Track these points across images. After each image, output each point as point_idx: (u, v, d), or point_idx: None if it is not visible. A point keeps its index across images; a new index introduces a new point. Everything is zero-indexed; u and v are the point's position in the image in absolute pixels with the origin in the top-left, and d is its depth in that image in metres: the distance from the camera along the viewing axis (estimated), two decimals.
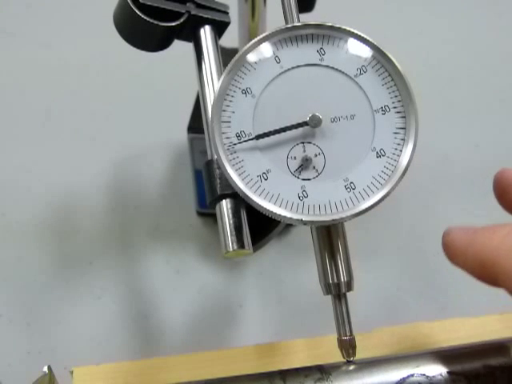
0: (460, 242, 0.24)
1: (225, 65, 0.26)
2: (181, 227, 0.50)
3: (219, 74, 0.30)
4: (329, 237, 0.26)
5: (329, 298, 0.26)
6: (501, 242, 0.22)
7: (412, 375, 0.24)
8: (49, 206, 0.51)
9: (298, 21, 0.27)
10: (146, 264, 0.47)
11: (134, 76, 0.62)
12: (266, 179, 0.25)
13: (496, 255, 0.21)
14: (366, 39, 0.26)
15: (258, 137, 0.25)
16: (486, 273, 0.22)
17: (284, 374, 0.25)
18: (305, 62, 0.26)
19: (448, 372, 0.24)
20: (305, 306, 0.44)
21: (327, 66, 0.26)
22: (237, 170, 0.25)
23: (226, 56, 0.30)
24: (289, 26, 0.26)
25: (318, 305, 0.39)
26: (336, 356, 0.26)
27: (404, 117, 0.25)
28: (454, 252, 0.24)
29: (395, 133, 0.25)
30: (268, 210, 0.24)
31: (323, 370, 0.25)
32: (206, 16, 0.31)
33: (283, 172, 0.25)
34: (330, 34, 0.26)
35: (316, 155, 0.25)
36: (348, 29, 0.26)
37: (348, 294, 0.26)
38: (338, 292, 0.26)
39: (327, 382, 0.24)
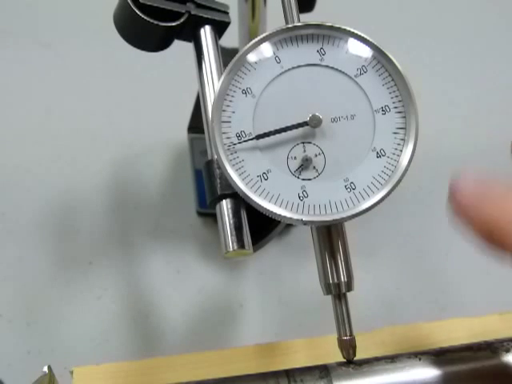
0: (469, 204, 0.22)
1: (225, 65, 0.26)
2: (181, 227, 0.50)
3: (219, 73, 0.30)
4: (329, 237, 0.26)
5: (329, 298, 0.26)
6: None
7: None
8: (49, 206, 0.51)
9: (298, 21, 0.27)
10: (146, 264, 0.47)
11: (134, 76, 0.62)
12: (266, 179, 0.25)
13: (507, 222, 0.20)
14: (366, 39, 0.26)
15: (258, 137, 0.25)
16: (495, 238, 0.21)
17: (289, 373, 0.25)
18: (305, 62, 0.26)
19: (448, 371, 0.24)
20: (305, 305, 0.44)
21: (327, 66, 0.26)
22: (237, 170, 0.25)
23: (226, 56, 0.30)
24: (289, 25, 0.26)
25: (318, 305, 0.39)
26: (336, 356, 0.26)
27: (404, 117, 0.25)
28: (462, 212, 0.22)
29: (395, 133, 0.25)
30: (268, 210, 0.24)
31: (323, 370, 0.25)
32: (206, 16, 0.31)
33: (283, 172, 0.25)
34: (330, 33, 0.26)
35: (316, 155, 0.25)
36: (348, 29, 0.26)
37: (348, 293, 0.26)
38: (338, 292, 0.26)
39: (327, 382, 0.24)
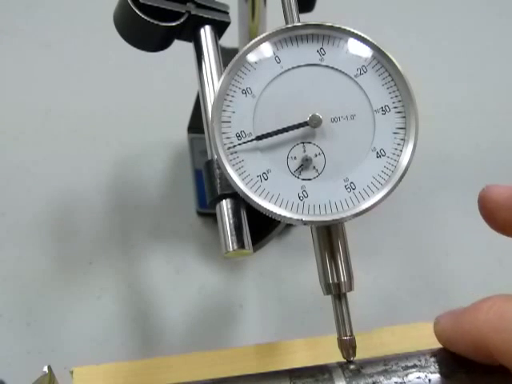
0: (449, 329, 0.24)
1: (225, 65, 0.26)
2: (181, 227, 0.50)
3: (219, 74, 0.30)
4: (329, 237, 0.26)
5: (329, 298, 0.26)
6: (485, 318, 0.21)
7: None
8: (49, 206, 0.51)
9: (298, 21, 0.27)
10: (146, 264, 0.47)
11: (134, 76, 0.62)
12: (266, 179, 0.25)
13: (484, 333, 0.21)
14: (366, 39, 0.26)
15: (259, 138, 0.25)
16: (481, 353, 0.22)
17: (289, 373, 0.25)
18: (305, 62, 0.26)
19: (449, 372, 0.24)
20: (305, 305, 0.44)
21: (327, 66, 0.26)
22: (237, 170, 0.25)
23: (226, 56, 0.30)
24: (289, 25, 0.26)
25: (318, 305, 0.39)
26: (336, 356, 0.26)
27: (404, 117, 0.25)
28: (447, 340, 0.25)
29: (395, 133, 0.25)
30: (268, 210, 0.24)
31: (323, 370, 0.25)
32: (206, 16, 0.31)
33: (283, 172, 0.25)
34: (330, 33, 0.26)
35: (316, 155, 0.25)
36: (348, 29, 0.26)
37: (348, 293, 0.26)
38: (338, 292, 0.26)
39: (327, 382, 0.24)
